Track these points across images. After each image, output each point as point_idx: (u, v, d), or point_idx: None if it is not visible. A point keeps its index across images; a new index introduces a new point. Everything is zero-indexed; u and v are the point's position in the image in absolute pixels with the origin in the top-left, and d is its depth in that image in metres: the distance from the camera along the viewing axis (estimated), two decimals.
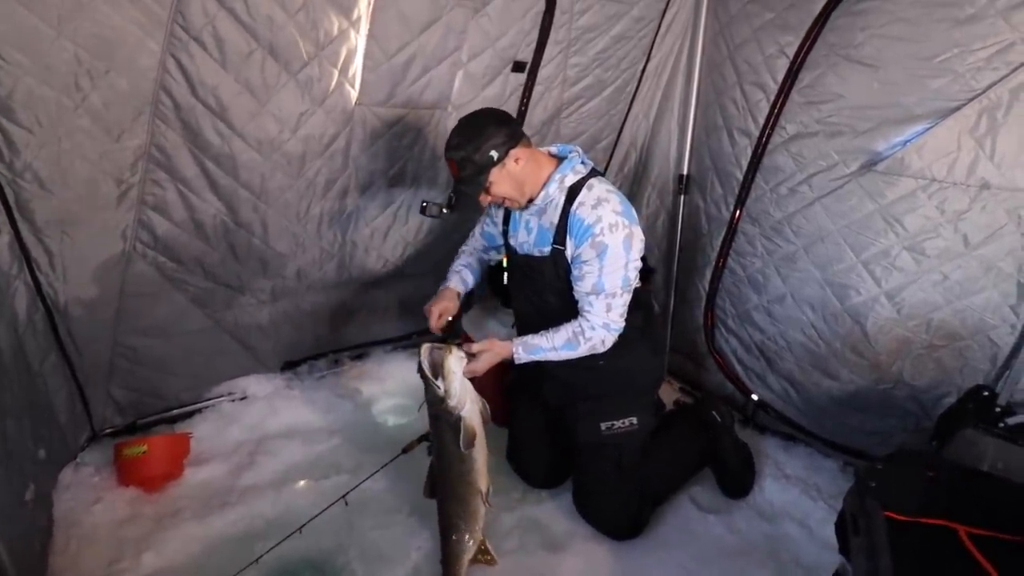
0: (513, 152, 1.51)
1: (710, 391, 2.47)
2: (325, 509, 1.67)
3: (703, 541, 1.82)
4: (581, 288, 1.58)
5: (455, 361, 1.48)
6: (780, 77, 1.96)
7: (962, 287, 1.71)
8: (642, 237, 1.59)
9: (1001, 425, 1.68)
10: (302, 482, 1.95)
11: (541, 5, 2.00)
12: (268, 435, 2.15)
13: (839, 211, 1.88)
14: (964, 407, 1.79)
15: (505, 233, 1.78)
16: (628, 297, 1.60)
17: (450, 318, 1.74)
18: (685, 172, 2.41)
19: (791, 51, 1.91)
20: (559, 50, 2.17)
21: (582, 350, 1.61)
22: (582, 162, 1.62)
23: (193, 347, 2.09)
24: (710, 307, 2.38)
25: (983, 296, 1.69)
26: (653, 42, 2.34)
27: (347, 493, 1.73)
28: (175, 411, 2.18)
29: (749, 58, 2.06)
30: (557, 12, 2.04)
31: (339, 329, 2.52)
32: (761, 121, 2.04)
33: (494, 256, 1.97)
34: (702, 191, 2.34)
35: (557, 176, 1.57)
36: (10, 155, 1.38)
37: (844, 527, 1.28)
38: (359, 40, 1.73)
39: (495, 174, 1.52)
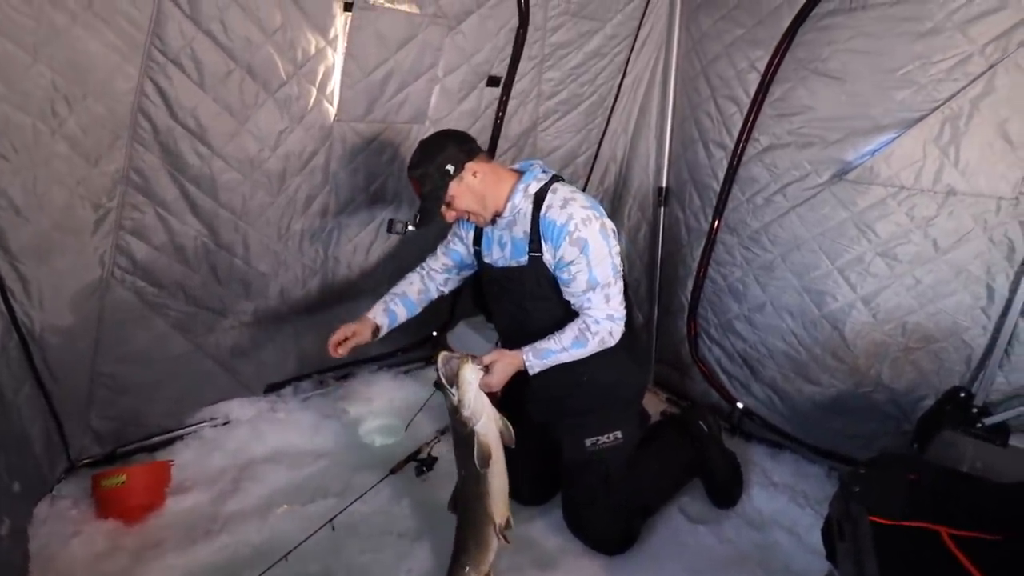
0: (470, 165, 1.57)
1: (696, 400, 2.49)
2: (312, 535, 1.64)
3: (694, 552, 1.81)
4: (575, 288, 1.59)
5: (470, 371, 1.44)
6: (752, 91, 2.01)
7: (934, 291, 1.76)
8: (614, 227, 1.63)
9: (979, 425, 1.73)
10: (288, 507, 1.91)
11: (515, 22, 2.04)
12: (252, 460, 2.11)
13: (814, 219, 1.92)
14: (942, 409, 1.83)
15: (478, 253, 1.80)
16: (622, 284, 1.65)
17: (353, 344, 1.80)
18: (664, 184, 2.46)
19: (761, 66, 1.97)
20: (533, 65, 2.21)
21: (592, 345, 1.61)
22: (543, 171, 1.67)
23: (175, 373, 2.05)
24: (693, 317, 2.41)
25: (955, 299, 1.73)
26: (628, 58, 2.40)
27: (334, 517, 1.71)
28: (155, 439, 2.13)
29: (722, 73, 2.12)
30: (530, 28, 2.08)
31: (323, 349, 2.49)
32: (735, 133, 2.09)
33: (452, 277, 1.94)
34: (681, 203, 2.38)
35: (520, 186, 1.61)
36: None
37: (830, 533, 1.29)
38: (337, 58, 1.75)
39: (454, 188, 1.57)
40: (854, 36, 1.74)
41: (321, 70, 1.75)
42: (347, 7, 1.66)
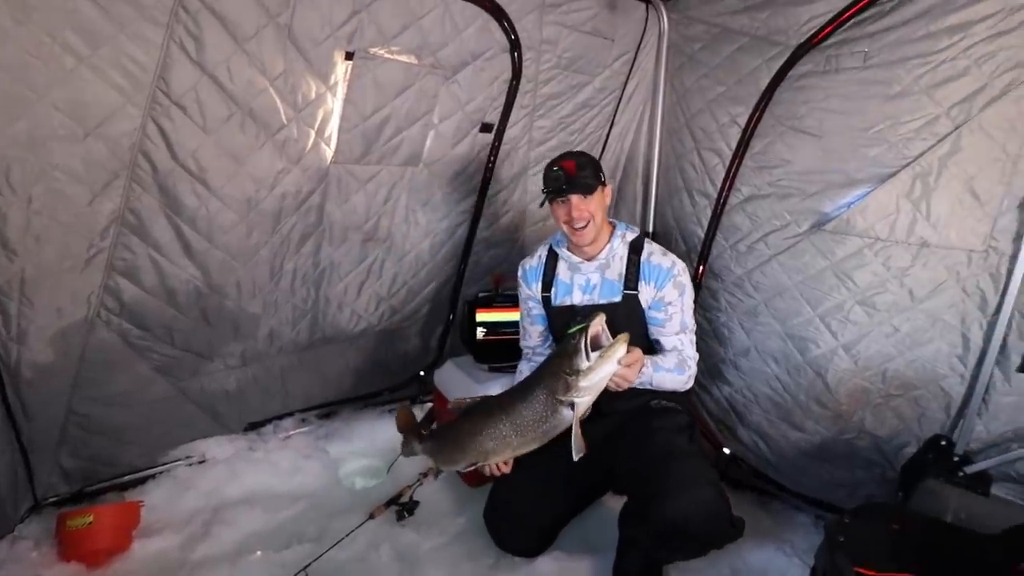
0: (607, 189, 1.73)
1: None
2: None
3: None
4: (669, 329, 1.70)
5: (623, 348, 1.30)
6: (733, 144, 2.11)
7: (912, 339, 1.80)
8: None
9: (961, 474, 1.74)
10: (261, 553, 1.82)
11: (508, 74, 2.14)
12: (226, 502, 2.03)
13: (794, 267, 1.98)
14: (925, 457, 1.84)
15: (548, 300, 1.82)
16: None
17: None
18: (651, 230, 2.52)
19: (742, 121, 2.07)
20: (525, 114, 2.31)
21: (684, 378, 1.70)
22: (633, 227, 1.82)
23: (154, 415, 2.00)
24: None
25: (932, 347, 1.78)
26: (616, 109, 2.51)
27: (308, 565, 1.64)
28: (126, 477, 2.06)
29: (705, 126, 2.22)
30: (523, 80, 2.18)
31: (308, 388, 2.47)
32: (718, 183, 2.17)
33: (548, 339, 1.91)
34: (667, 248, 2.41)
35: (619, 232, 1.76)
36: None
37: None
38: (336, 104, 1.82)
39: (598, 192, 1.67)
40: (828, 96, 1.85)
41: (320, 114, 1.81)
42: (348, 56, 1.74)
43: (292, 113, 1.73)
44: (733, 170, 2.12)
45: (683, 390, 1.75)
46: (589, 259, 1.76)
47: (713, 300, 2.25)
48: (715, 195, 2.19)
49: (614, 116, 2.53)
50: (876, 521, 1.34)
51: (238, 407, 2.22)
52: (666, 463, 1.52)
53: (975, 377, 1.73)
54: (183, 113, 1.52)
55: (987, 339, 1.69)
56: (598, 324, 1.34)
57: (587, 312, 1.45)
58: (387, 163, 2.10)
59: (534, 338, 1.90)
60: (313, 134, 1.82)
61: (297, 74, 1.67)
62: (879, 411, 1.90)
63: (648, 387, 1.67)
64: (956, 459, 1.76)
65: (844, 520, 1.32)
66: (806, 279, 1.96)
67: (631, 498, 1.69)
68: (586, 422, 1.44)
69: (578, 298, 1.76)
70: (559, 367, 1.35)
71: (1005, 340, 1.65)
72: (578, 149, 1.97)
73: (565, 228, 1.70)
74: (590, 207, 1.65)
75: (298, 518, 2.00)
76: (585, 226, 1.66)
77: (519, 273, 1.89)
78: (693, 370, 1.72)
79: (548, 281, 1.82)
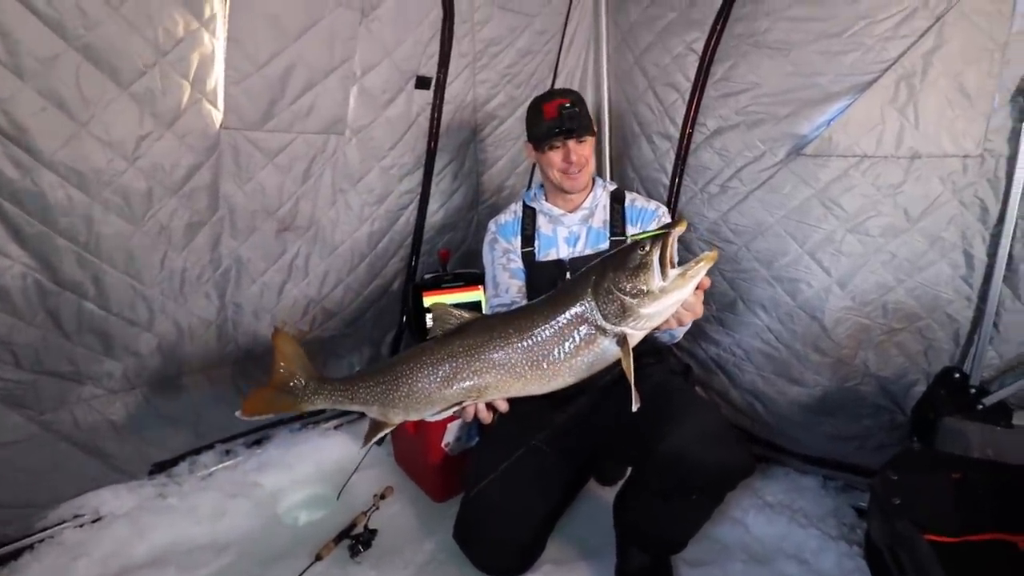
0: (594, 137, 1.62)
1: None
2: None
3: None
4: None
5: (704, 267, 0.98)
6: (692, 74, 1.89)
7: (911, 264, 1.62)
8: None
9: (979, 407, 1.57)
10: None
11: (438, 12, 1.83)
12: (131, 566, 1.61)
13: (775, 202, 1.77)
14: (937, 393, 1.68)
15: (531, 254, 1.64)
16: None
17: None
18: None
19: (699, 47, 1.85)
20: (465, 64, 2.00)
21: (684, 328, 1.41)
22: (605, 180, 1.76)
23: (13, 463, 1.54)
24: None
25: (933, 270, 1.61)
26: (559, 56, 2.24)
27: None
28: None
29: (657, 60, 1.99)
30: (457, 21, 1.87)
31: (227, 413, 2.03)
32: (679, 121, 1.95)
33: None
34: None
35: (600, 181, 1.68)
36: None
37: (880, 565, 1.03)
38: (217, 45, 1.43)
39: (590, 138, 1.57)
40: (792, 3, 1.64)
41: (195, 59, 1.42)
42: None
43: (152, 56, 1.33)
44: (694, 104, 1.89)
45: (675, 342, 1.58)
46: (572, 210, 1.63)
47: (687, 252, 2.01)
48: (677, 135, 1.96)
49: (557, 63, 2.26)
50: (929, 473, 1.10)
51: (135, 444, 1.78)
52: (663, 401, 1.38)
53: (983, 298, 1.56)
54: None
55: (991, 253, 1.53)
56: (677, 234, 1.01)
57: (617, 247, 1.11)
58: (300, 129, 1.72)
59: (512, 292, 1.61)
60: (188, 87, 1.43)
61: (152, 1, 1.28)
62: (882, 349, 1.72)
63: (666, 341, 1.50)
64: (972, 391, 1.60)
65: (891, 477, 1.08)
66: (789, 213, 1.75)
67: (629, 452, 1.47)
68: (560, 401, 1.21)
69: (564, 251, 1.62)
70: (614, 282, 1.00)
71: (1011, 252, 1.49)
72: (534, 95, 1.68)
73: (558, 176, 1.57)
74: (585, 150, 1.56)
75: (224, 572, 1.61)
76: (580, 171, 1.56)
77: (491, 230, 1.69)
78: None
79: (529, 236, 1.64)
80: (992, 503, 1.00)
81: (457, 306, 1.16)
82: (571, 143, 1.52)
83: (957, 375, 1.63)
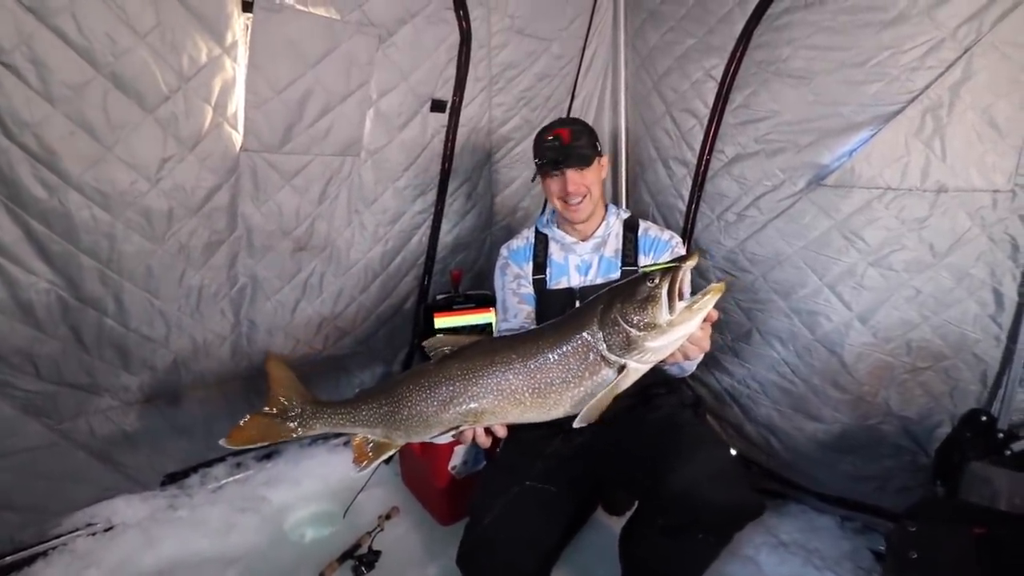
0: (603, 160, 1.58)
1: None
2: None
3: None
4: None
5: (711, 301, 0.97)
6: (710, 100, 1.86)
7: (937, 300, 1.56)
8: None
9: (1008, 453, 1.49)
10: None
11: (455, 37, 1.85)
12: None
13: (794, 232, 1.73)
14: (962, 436, 1.59)
15: (542, 282, 1.61)
16: None
17: None
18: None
19: (718, 73, 1.83)
20: (481, 88, 2.01)
21: (697, 360, 1.39)
22: (620, 208, 1.71)
23: (32, 471, 1.59)
24: None
25: (960, 308, 1.54)
26: (576, 80, 2.24)
27: None
28: (8, 558, 1.63)
29: (675, 86, 1.97)
30: (474, 46, 1.89)
31: None
32: (697, 147, 1.92)
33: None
34: None
35: (613, 209, 1.63)
36: None
37: None
38: (237, 71, 1.47)
39: (595, 163, 1.53)
40: (815, 32, 1.61)
41: (217, 84, 1.47)
42: (246, 7, 1.41)
43: (176, 82, 1.38)
44: (712, 130, 1.86)
45: (687, 375, 1.50)
46: (584, 238, 1.59)
47: (702, 280, 1.98)
48: (695, 161, 1.93)
49: (574, 87, 2.26)
50: (950, 525, 1.05)
51: (148, 455, 1.82)
52: (673, 435, 1.35)
53: (1013, 338, 1.49)
54: (13, 75, 1.16)
55: (1022, 292, 1.46)
56: (688, 267, 0.99)
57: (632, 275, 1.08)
58: (318, 151, 1.76)
59: (520, 318, 1.59)
60: (210, 111, 1.48)
61: (177, 29, 1.33)
62: (905, 388, 1.65)
63: (676, 374, 1.45)
64: (1000, 436, 1.52)
65: (910, 528, 1.03)
66: (808, 244, 1.70)
67: (635, 483, 1.41)
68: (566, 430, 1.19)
69: (576, 280, 1.58)
70: (621, 313, 0.99)
71: None
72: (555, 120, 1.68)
73: (558, 204, 1.54)
74: (586, 180, 1.50)
75: None
76: (581, 201, 1.51)
77: (503, 255, 1.66)
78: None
79: (540, 263, 1.61)
80: (1018, 563, 0.94)
81: (467, 329, 1.15)
82: (569, 172, 1.47)
83: (984, 417, 1.55)
